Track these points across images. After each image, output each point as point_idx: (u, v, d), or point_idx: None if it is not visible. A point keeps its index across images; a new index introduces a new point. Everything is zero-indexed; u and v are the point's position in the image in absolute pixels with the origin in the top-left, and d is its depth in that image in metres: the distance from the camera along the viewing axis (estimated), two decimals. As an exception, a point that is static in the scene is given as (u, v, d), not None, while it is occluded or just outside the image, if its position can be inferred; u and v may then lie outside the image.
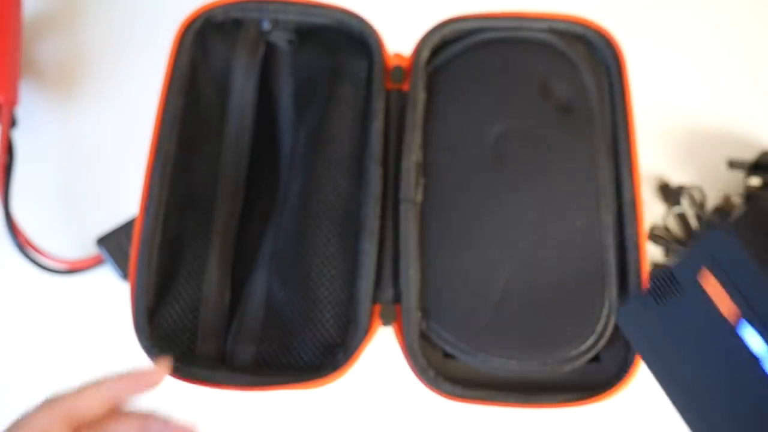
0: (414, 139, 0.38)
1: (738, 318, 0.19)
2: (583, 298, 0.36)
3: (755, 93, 0.52)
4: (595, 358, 0.36)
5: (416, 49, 0.40)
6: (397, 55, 0.42)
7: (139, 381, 0.29)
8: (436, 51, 0.41)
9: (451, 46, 0.41)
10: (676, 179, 0.49)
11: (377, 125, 0.39)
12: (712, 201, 0.49)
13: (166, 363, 0.30)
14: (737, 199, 0.48)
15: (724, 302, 0.19)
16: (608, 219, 0.37)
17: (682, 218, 0.48)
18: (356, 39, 0.42)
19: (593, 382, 0.35)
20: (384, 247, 0.38)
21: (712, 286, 0.20)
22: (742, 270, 0.19)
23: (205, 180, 0.41)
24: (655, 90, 0.52)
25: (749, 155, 0.49)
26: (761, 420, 0.19)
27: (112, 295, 0.47)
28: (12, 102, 0.48)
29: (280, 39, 0.42)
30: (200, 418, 0.45)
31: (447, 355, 0.36)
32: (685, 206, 0.48)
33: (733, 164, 0.49)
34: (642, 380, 0.37)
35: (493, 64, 0.40)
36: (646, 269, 0.36)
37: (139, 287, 0.36)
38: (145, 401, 0.44)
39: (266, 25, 0.42)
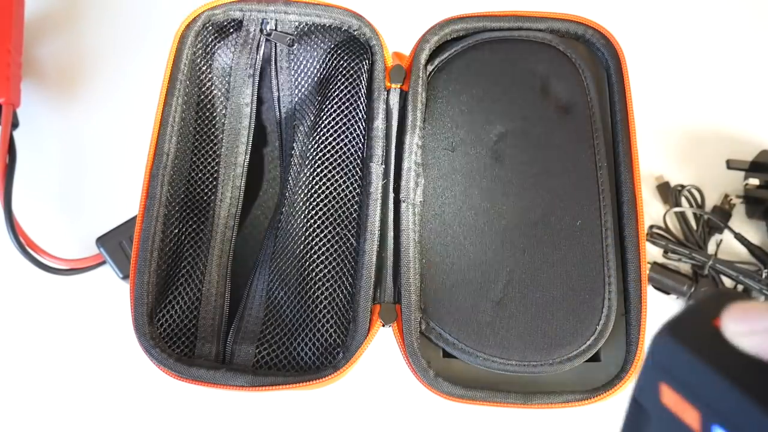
0: (414, 139, 0.39)
1: (704, 424, 0.17)
2: (582, 298, 0.36)
3: (754, 93, 0.52)
4: (595, 358, 0.36)
5: (416, 48, 0.40)
6: (397, 55, 0.42)
7: None
8: (436, 51, 0.41)
9: (451, 46, 0.41)
10: (675, 179, 0.49)
11: (377, 125, 0.39)
12: (711, 200, 0.49)
13: None
14: (736, 199, 0.48)
15: (687, 413, 0.18)
16: (608, 219, 0.37)
17: (681, 218, 0.48)
18: (356, 38, 0.42)
19: (593, 382, 0.35)
20: (384, 247, 0.38)
21: (673, 401, 0.18)
22: (693, 373, 0.18)
23: (205, 180, 0.41)
24: (655, 90, 0.52)
25: (748, 155, 0.49)
26: None
27: (112, 295, 0.47)
28: (13, 103, 0.48)
29: (280, 39, 0.42)
30: (200, 418, 0.45)
31: (447, 355, 0.36)
32: (685, 206, 0.48)
33: (731, 164, 0.49)
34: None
35: (493, 64, 0.40)
36: (645, 269, 0.36)
37: (139, 287, 0.36)
38: (145, 402, 0.45)
39: (266, 25, 0.42)
